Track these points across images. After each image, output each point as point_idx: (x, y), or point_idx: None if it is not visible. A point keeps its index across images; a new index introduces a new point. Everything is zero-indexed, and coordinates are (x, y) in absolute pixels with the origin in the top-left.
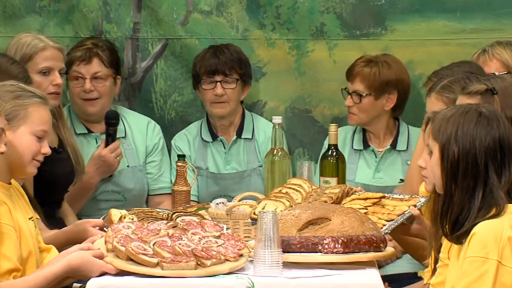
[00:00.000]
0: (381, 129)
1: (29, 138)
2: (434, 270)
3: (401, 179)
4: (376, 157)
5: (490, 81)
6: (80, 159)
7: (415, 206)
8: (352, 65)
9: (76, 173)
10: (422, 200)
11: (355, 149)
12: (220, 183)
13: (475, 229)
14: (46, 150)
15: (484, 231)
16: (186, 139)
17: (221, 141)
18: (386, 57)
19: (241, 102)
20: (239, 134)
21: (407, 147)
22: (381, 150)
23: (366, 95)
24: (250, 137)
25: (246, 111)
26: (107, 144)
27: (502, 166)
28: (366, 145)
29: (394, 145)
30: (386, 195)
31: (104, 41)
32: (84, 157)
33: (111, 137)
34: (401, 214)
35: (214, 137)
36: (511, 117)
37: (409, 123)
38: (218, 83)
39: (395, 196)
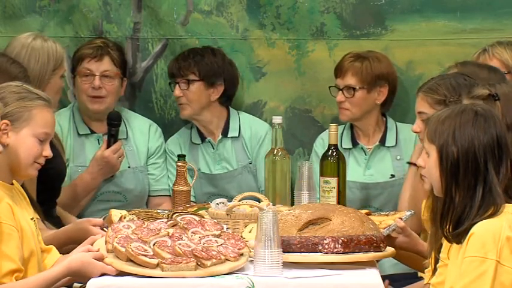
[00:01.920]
0: (370, 125)
1: (31, 140)
2: (434, 270)
3: (392, 175)
4: (365, 154)
5: (495, 86)
6: (62, 145)
7: (400, 219)
8: (341, 61)
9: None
10: (408, 213)
11: (344, 148)
12: (214, 184)
13: (473, 229)
14: (47, 153)
15: (482, 231)
16: (178, 143)
17: (209, 142)
18: (374, 53)
19: (228, 105)
20: (225, 133)
21: (396, 143)
22: (370, 147)
23: (359, 88)
24: (237, 135)
25: (231, 110)
26: (109, 145)
27: (499, 162)
28: (354, 143)
29: (383, 141)
30: (371, 212)
31: (113, 42)
32: (86, 158)
33: (113, 137)
34: (386, 227)
35: (202, 138)
36: None
37: (409, 123)
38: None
39: (381, 213)
